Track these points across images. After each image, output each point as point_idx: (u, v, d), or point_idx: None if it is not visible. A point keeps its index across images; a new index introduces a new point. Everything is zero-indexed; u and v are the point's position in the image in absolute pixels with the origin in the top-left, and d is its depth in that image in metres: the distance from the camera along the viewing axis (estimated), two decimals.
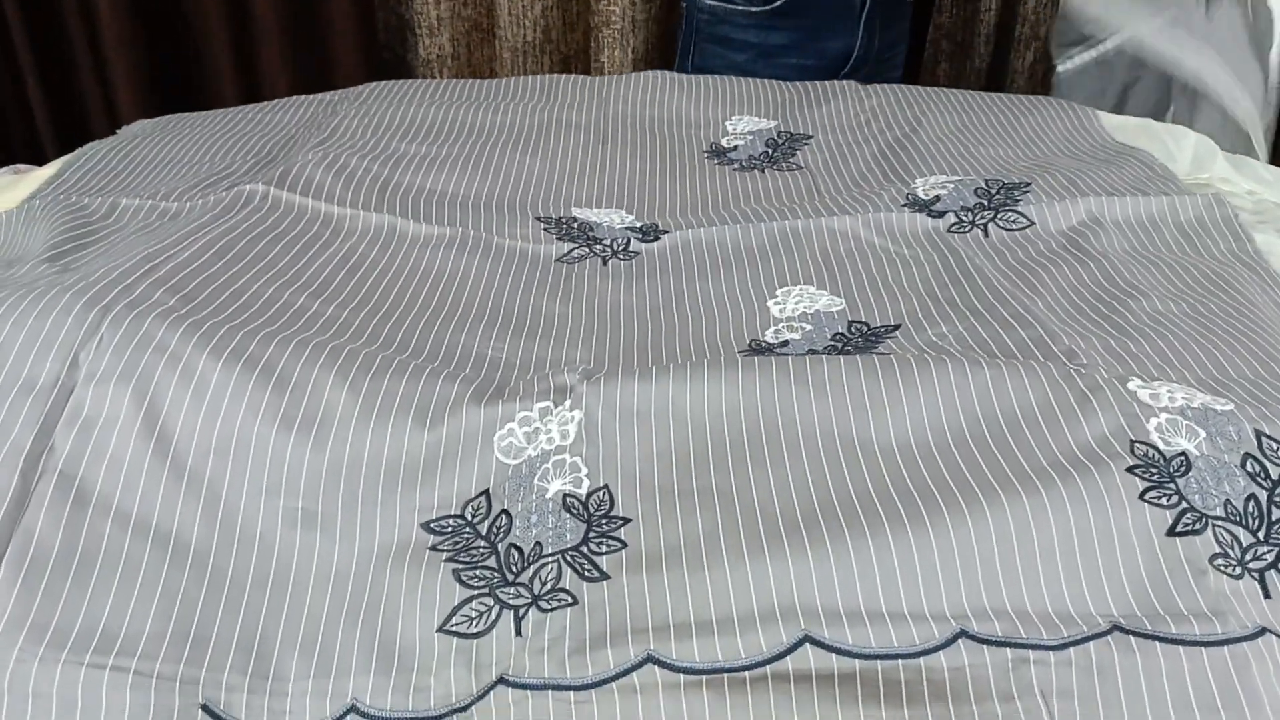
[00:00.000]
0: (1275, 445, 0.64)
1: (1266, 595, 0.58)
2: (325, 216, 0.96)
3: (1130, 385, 0.68)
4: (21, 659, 0.56)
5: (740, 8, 1.60)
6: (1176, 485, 0.62)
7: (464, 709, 0.57)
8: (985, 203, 1.01)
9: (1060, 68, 1.56)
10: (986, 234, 0.97)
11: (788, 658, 0.55)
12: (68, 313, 0.69)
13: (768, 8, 1.58)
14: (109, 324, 0.69)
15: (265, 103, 1.37)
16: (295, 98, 1.39)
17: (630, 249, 0.98)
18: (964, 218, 0.99)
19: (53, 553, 0.60)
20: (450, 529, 0.64)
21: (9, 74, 1.79)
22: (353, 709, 0.57)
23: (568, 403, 0.69)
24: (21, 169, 1.23)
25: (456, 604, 0.60)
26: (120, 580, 0.60)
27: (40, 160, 1.69)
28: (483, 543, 0.63)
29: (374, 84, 1.40)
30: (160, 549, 0.62)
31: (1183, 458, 0.63)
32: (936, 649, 0.55)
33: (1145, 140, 1.16)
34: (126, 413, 0.66)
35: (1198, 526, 0.60)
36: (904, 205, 1.01)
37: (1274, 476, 0.63)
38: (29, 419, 0.65)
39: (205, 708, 0.57)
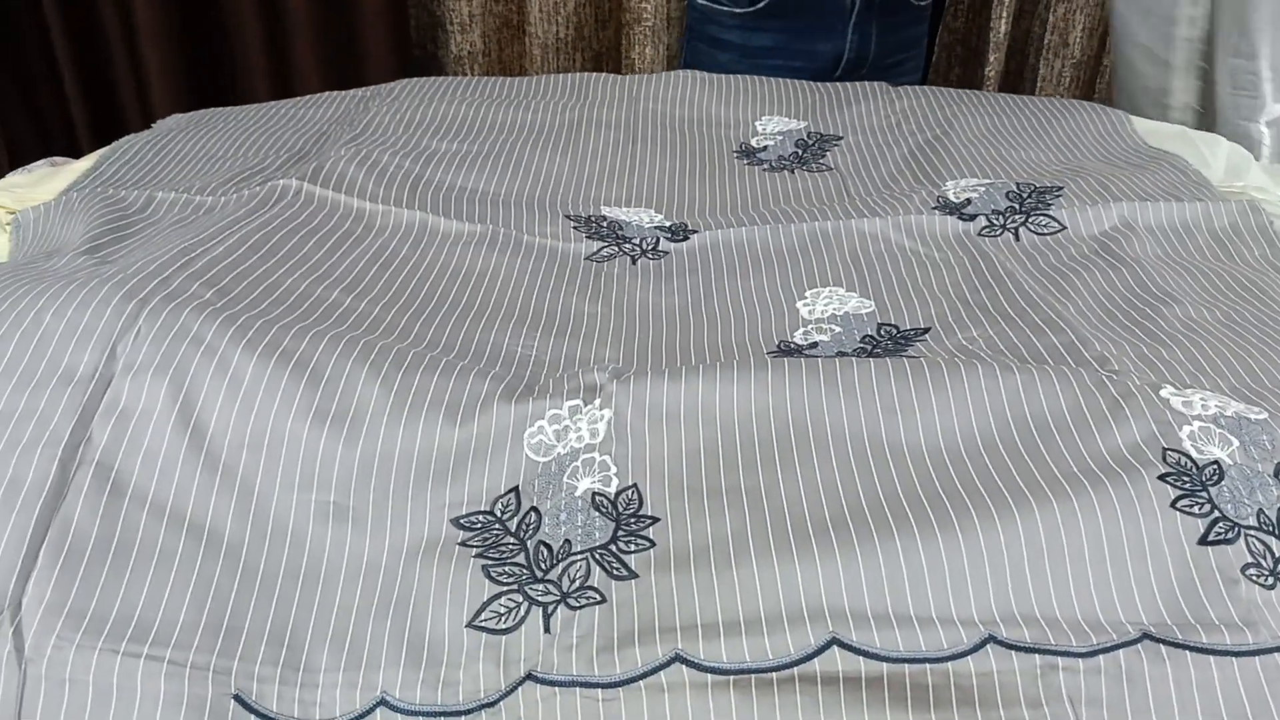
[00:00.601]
0: None
1: None
2: (358, 212, 0.97)
3: (1163, 392, 0.67)
4: (59, 645, 0.57)
5: (725, 8, 1.58)
6: (1209, 494, 0.61)
7: (492, 704, 0.57)
8: (1017, 206, 1.00)
9: None
10: (1017, 238, 0.97)
11: (815, 660, 0.55)
12: (106, 304, 0.70)
13: (752, 9, 1.55)
14: (146, 316, 0.70)
15: (298, 98, 1.38)
16: (327, 94, 1.40)
17: (660, 248, 0.99)
18: (995, 221, 0.99)
19: (90, 541, 0.61)
20: (480, 525, 0.65)
21: (46, 68, 1.81)
22: (382, 702, 0.58)
23: (597, 401, 0.70)
24: (58, 161, 1.25)
25: (486, 600, 0.61)
26: (155, 570, 0.61)
27: (76, 153, 1.71)
28: (512, 539, 0.64)
29: (405, 81, 1.41)
30: (194, 540, 0.63)
31: (1215, 466, 0.63)
32: (965, 654, 0.55)
33: (1179, 146, 1.16)
34: (163, 404, 0.67)
35: (1230, 536, 0.60)
36: (934, 208, 1.01)
37: None
38: (68, 408, 0.66)
39: (237, 698, 0.57)
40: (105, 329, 0.69)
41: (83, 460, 0.64)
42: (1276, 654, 0.55)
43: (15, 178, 1.19)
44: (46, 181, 1.14)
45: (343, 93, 1.39)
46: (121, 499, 0.63)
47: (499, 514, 0.65)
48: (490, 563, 0.63)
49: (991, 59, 1.88)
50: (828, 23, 1.55)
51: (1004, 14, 1.84)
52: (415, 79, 1.42)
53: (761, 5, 1.55)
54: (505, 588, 0.61)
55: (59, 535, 0.61)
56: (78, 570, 0.60)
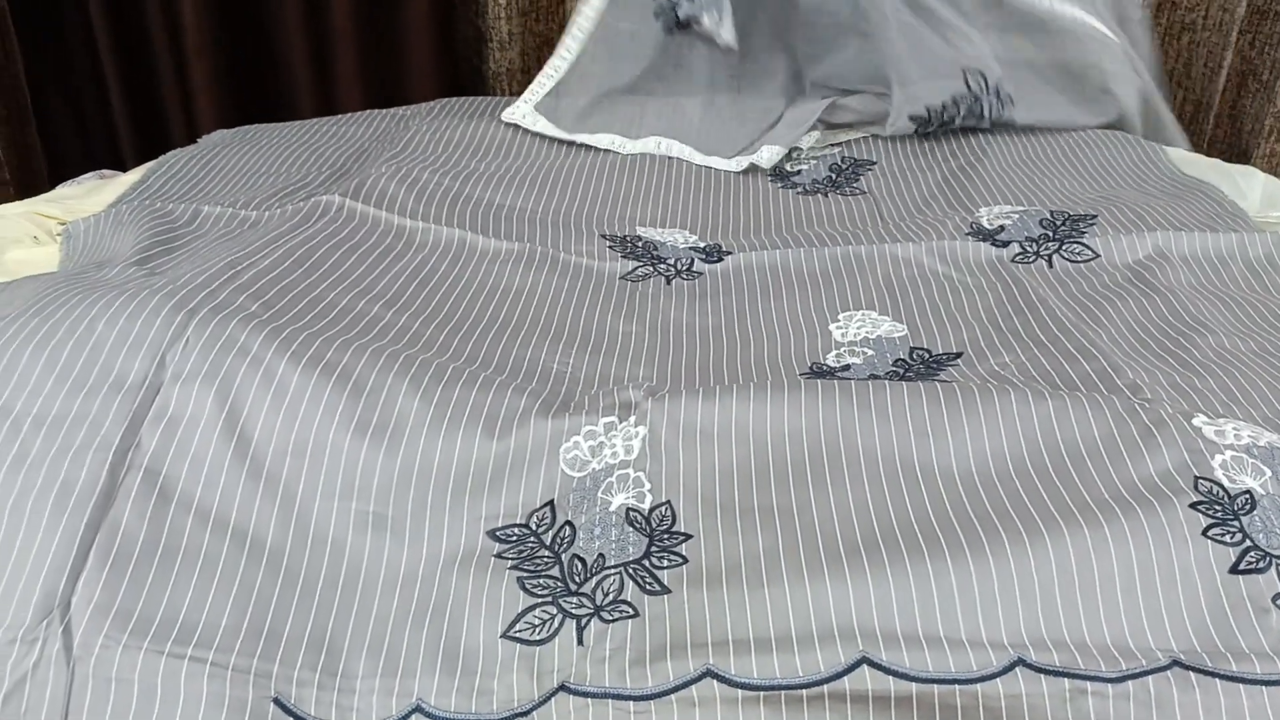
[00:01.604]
0: None
1: None
2: (398, 229, 0.99)
3: (1195, 421, 0.68)
4: (106, 645, 0.58)
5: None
6: (1240, 523, 0.62)
7: (525, 714, 0.58)
8: (1050, 234, 1.01)
9: None
10: (1051, 265, 0.97)
11: (845, 678, 0.56)
12: (157, 314, 0.72)
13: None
14: (195, 327, 0.72)
15: (339, 116, 1.41)
16: (368, 112, 1.42)
17: (694, 269, 1.00)
18: (1028, 248, 0.99)
19: (137, 544, 0.62)
20: (515, 537, 0.66)
21: (94, 83, 1.85)
22: (417, 709, 0.59)
23: (632, 418, 0.71)
24: (107, 174, 1.28)
25: (520, 611, 0.62)
26: (199, 574, 0.62)
27: (121, 164, 1.75)
28: (547, 552, 0.65)
29: (444, 100, 1.43)
30: (237, 545, 0.64)
31: (1247, 496, 0.63)
32: (994, 676, 0.56)
33: (1215, 177, 1.16)
34: (209, 413, 0.68)
35: (1261, 565, 0.60)
36: (968, 234, 1.02)
37: None
38: (119, 414, 0.67)
39: (277, 700, 0.59)
40: (155, 338, 0.71)
41: (132, 465, 0.66)
42: None
43: (65, 190, 1.22)
44: (95, 194, 1.17)
45: (383, 111, 1.42)
46: (168, 504, 0.65)
47: (534, 527, 0.66)
48: (525, 575, 0.64)
49: None
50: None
51: None
52: (454, 99, 1.44)
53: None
54: (540, 600, 0.62)
55: (108, 538, 0.62)
56: (125, 572, 0.61)
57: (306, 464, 0.68)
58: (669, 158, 1.27)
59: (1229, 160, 1.27)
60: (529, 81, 1.40)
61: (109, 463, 0.65)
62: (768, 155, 1.25)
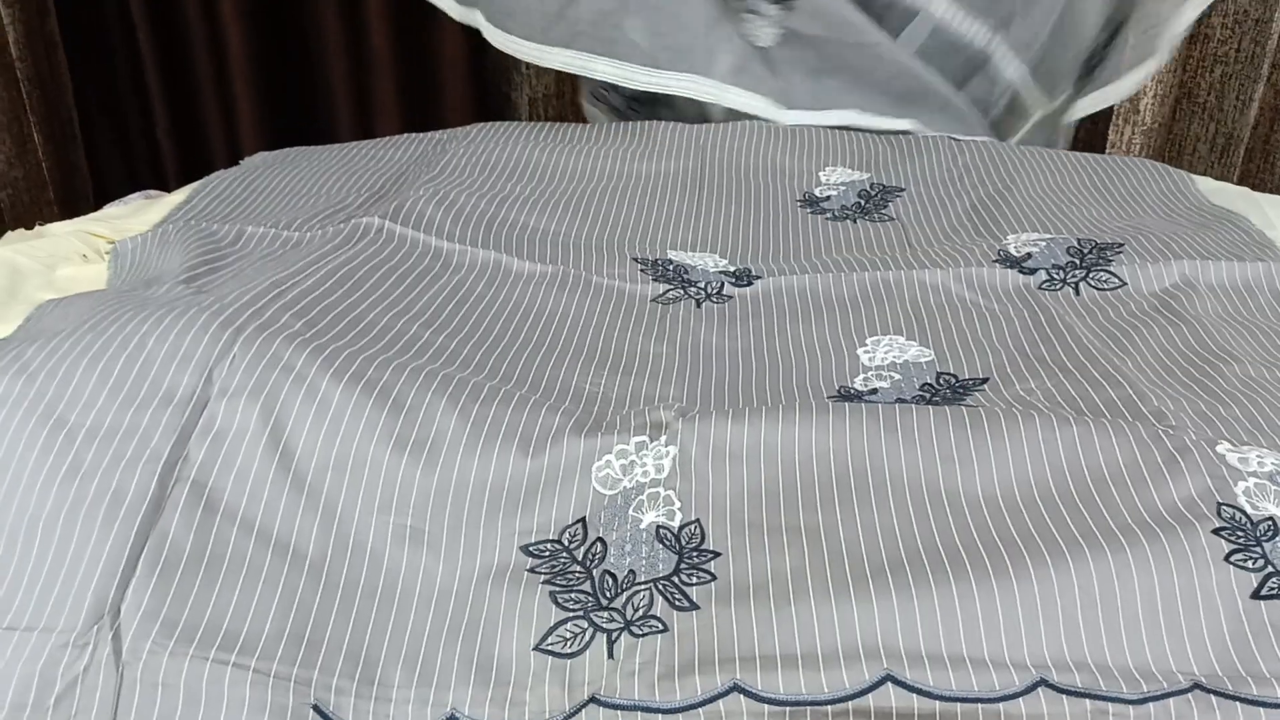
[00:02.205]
0: None
1: None
2: (435, 250, 1.01)
3: (1219, 448, 0.69)
4: (154, 650, 0.60)
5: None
6: (1263, 549, 0.62)
7: None
8: (1077, 261, 1.02)
9: None
10: (1078, 292, 0.98)
11: (869, 695, 0.57)
12: (205, 331, 0.75)
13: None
14: (241, 344, 0.74)
15: (378, 139, 1.44)
16: (406, 135, 1.46)
17: (724, 292, 1.02)
18: (1055, 275, 1.00)
19: (184, 554, 0.65)
20: (548, 553, 0.68)
21: (139, 105, 1.90)
22: (451, 719, 0.61)
23: (663, 438, 0.72)
24: (152, 194, 1.31)
25: (552, 624, 0.64)
26: (243, 584, 0.65)
27: (164, 185, 1.79)
28: (579, 568, 0.67)
29: (480, 124, 1.46)
30: (280, 557, 0.67)
31: (1270, 522, 0.64)
32: (1016, 695, 0.57)
33: (1243, 206, 1.16)
34: (254, 427, 0.71)
35: None
36: (995, 261, 1.03)
37: None
38: (168, 428, 0.70)
39: (316, 708, 0.60)
40: (203, 355, 0.74)
41: (180, 477, 0.68)
42: None
43: (112, 209, 1.25)
44: (141, 213, 1.20)
45: (421, 135, 1.45)
46: (214, 515, 0.67)
47: (566, 543, 0.68)
48: (558, 589, 0.65)
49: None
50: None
51: None
52: (490, 123, 1.47)
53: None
54: (571, 614, 0.64)
55: (156, 547, 0.65)
56: (172, 581, 0.63)
57: (347, 478, 0.70)
58: (701, 182, 1.29)
59: (1259, 191, 1.28)
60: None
61: (158, 474, 0.68)
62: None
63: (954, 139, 1.41)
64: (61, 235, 1.11)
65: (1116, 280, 0.99)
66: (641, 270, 1.05)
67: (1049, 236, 1.07)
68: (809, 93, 1.43)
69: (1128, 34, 1.46)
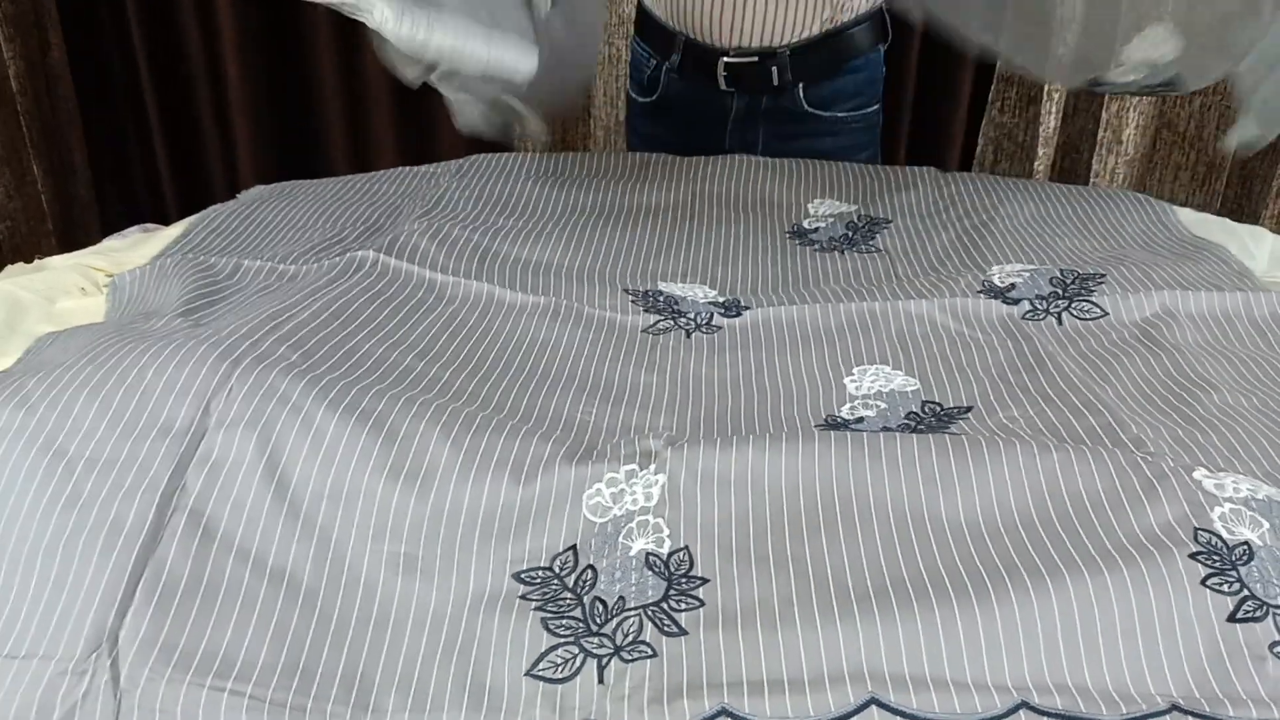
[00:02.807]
0: None
1: None
2: (429, 283, 1.03)
3: (1196, 474, 0.70)
4: (151, 678, 0.61)
5: (636, 97, 1.66)
6: (1239, 573, 0.64)
7: None
8: (1060, 291, 1.04)
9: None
10: (1060, 322, 1.00)
11: (855, 718, 0.58)
12: (202, 363, 0.76)
13: (649, 99, 1.63)
14: (238, 376, 0.76)
15: (373, 173, 1.46)
16: (399, 169, 1.48)
17: (713, 323, 1.03)
18: (1038, 305, 1.02)
19: (181, 583, 0.66)
20: (539, 580, 0.69)
21: (139, 141, 1.92)
22: None
23: (652, 467, 0.74)
24: (150, 228, 1.33)
25: (544, 650, 0.65)
26: (239, 612, 0.66)
27: (164, 217, 1.81)
28: (569, 594, 0.68)
29: (474, 157, 1.48)
30: (275, 584, 0.68)
31: (1246, 547, 0.65)
32: (998, 717, 0.58)
33: (1223, 237, 1.19)
34: (251, 457, 0.72)
35: (1258, 614, 0.62)
36: (979, 291, 1.05)
37: None
38: (166, 459, 0.71)
39: None
40: (201, 386, 0.75)
41: (177, 507, 0.69)
42: None
43: (111, 242, 1.27)
44: (140, 246, 1.22)
45: (414, 168, 1.47)
46: (211, 544, 0.68)
47: (558, 570, 0.69)
48: (549, 616, 0.66)
49: (1041, 154, 1.92)
50: (708, 124, 1.58)
51: (1053, 109, 1.89)
52: (483, 155, 1.49)
53: (654, 97, 1.61)
54: (562, 640, 0.65)
55: (154, 576, 0.66)
56: (170, 609, 0.64)
57: (341, 506, 0.71)
58: (691, 213, 1.31)
59: (1239, 219, 1.30)
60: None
61: (156, 504, 0.69)
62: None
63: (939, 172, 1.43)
64: (61, 268, 1.13)
65: (1098, 310, 1.01)
66: (632, 301, 1.07)
67: (1032, 267, 1.09)
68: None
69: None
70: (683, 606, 0.66)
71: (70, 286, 1.09)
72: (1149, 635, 0.62)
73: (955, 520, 0.70)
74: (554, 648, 0.65)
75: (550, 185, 1.36)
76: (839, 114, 1.57)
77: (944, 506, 0.70)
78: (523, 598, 0.68)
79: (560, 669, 0.64)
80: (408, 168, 1.48)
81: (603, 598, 0.67)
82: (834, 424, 0.85)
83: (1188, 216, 1.26)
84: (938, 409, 0.87)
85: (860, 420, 0.86)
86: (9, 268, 1.16)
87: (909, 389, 0.90)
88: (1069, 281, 1.06)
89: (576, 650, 0.64)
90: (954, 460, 0.72)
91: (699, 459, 0.74)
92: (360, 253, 1.05)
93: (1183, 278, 1.05)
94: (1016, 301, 1.03)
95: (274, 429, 0.73)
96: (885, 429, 0.83)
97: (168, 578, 0.66)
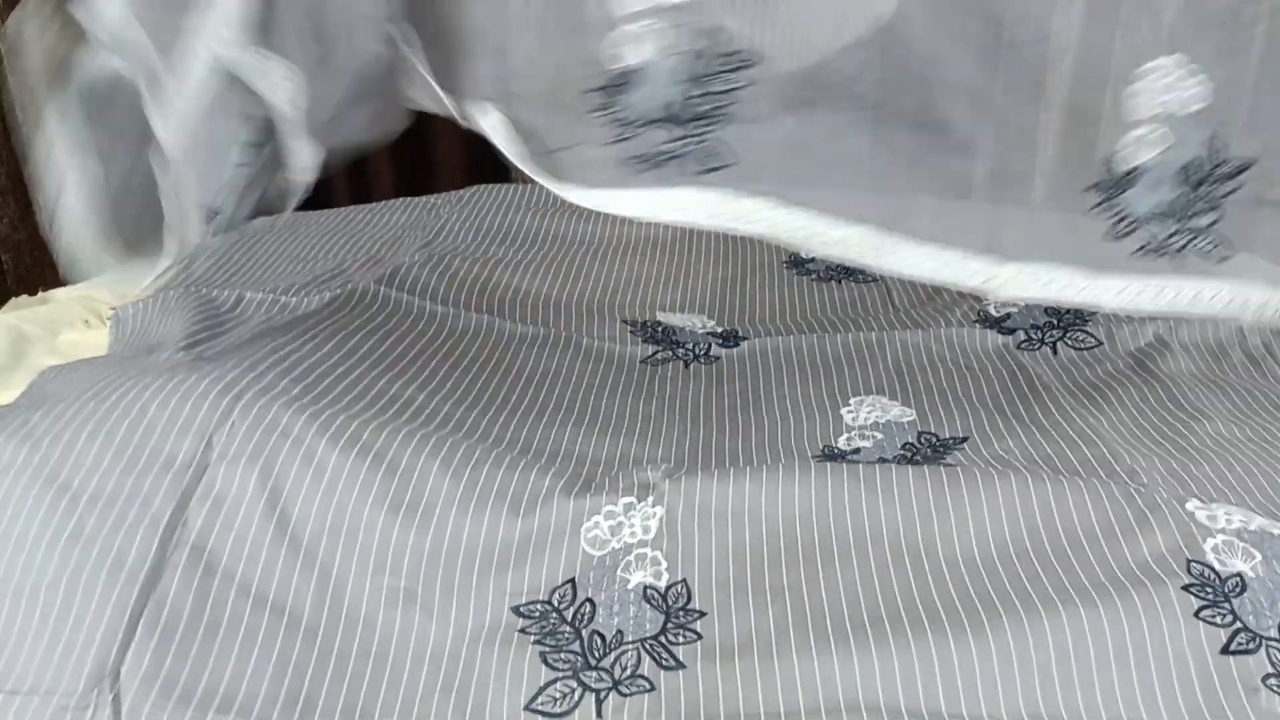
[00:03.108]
0: None
1: None
2: (429, 314, 1.04)
3: (1188, 506, 0.71)
4: (153, 713, 0.62)
5: None
6: (1231, 605, 0.64)
7: None
8: (1055, 321, 1.05)
9: None
10: (1055, 352, 1.01)
11: None
12: (205, 398, 0.77)
13: None
14: (240, 410, 0.76)
15: (373, 204, 1.47)
16: (400, 200, 1.49)
17: (711, 353, 1.04)
18: (1034, 335, 1.03)
19: (183, 617, 0.66)
20: (538, 614, 0.69)
21: None
22: None
23: (650, 499, 0.74)
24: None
25: (542, 684, 0.65)
26: (240, 645, 0.66)
27: None
28: (568, 628, 0.68)
29: (474, 188, 1.49)
30: (276, 618, 0.68)
31: (1238, 579, 0.66)
32: None
33: None
34: (253, 491, 0.73)
35: (1251, 646, 0.63)
36: (975, 321, 1.06)
37: None
38: (169, 493, 0.72)
39: None
40: (203, 420, 0.76)
41: (179, 541, 0.70)
42: None
43: (114, 274, 1.28)
44: (143, 279, 1.22)
45: (415, 199, 1.48)
46: (213, 578, 0.69)
47: (556, 604, 0.70)
48: (547, 649, 0.67)
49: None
50: None
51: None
52: (483, 186, 1.50)
53: None
54: (561, 674, 0.66)
55: (156, 610, 0.66)
56: (172, 643, 0.65)
57: (342, 540, 0.72)
58: (689, 244, 1.32)
59: None
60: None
61: (158, 539, 0.69)
62: None
63: None
64: (65, 301, 1.14)
65: (1093, 339, 1.02)
66: (631, 332, 1.08)
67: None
68: None
69: None
70: (680, 640, 0.66)
71: (74, 319, 1.10)
72: (1142, 667, 0.62)
73: (951, 552, 0.70)
74: (552, 682, 0.65)
75: (550, 217, 1.37)
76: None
77: (939, 538, 0.71)
78: (521, 631, 0.68)
79: (559, 703, 0.64)
80: (409, 198, 1.49)
81: (601, 631, 0.68)
82: (831, 454, 0.86)
83: None
84: (934, 439, 0.87)
85: (857, 451, 0.86)
86: (13, 301, 1.17)
87: (905, 419, 0.91)
88: (1064, 311, 1.06)
89: (575, 684, 0.65)
90: (949, 492, 0.73)
91: (696, 491, 0.74)
92: (361, 285, 1.06)
93: None
94: (1012, 331, 1.04)
95: (275, 463, 0.74)
96: (882, 460, 0.84)
97: (169, 613, 0.66)
